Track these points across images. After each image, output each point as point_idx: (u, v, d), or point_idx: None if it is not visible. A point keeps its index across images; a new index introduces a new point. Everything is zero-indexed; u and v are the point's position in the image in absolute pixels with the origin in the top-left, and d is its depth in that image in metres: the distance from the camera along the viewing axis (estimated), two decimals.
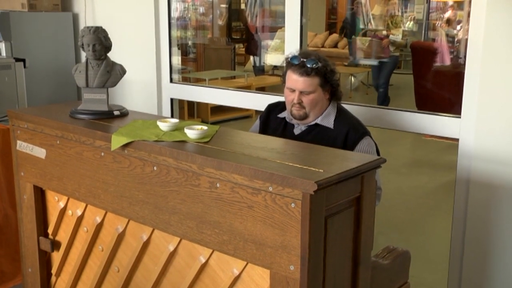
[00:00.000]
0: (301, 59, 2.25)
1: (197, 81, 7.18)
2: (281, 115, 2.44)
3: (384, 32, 7.98)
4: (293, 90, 2.29)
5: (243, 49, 10.32)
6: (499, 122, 2.41)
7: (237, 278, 1.74)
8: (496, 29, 2.35)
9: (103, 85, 2.24)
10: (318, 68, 2.24)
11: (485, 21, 2.37)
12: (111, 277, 2.15)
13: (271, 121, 2.48)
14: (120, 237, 2.07)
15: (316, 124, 2.33)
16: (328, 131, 2.31)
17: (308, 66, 2.23)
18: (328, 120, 2.33)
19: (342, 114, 2.36)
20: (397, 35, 7.78)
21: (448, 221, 2.80)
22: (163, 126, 1.98)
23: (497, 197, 2.46)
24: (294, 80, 2.27)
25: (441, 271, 2.97)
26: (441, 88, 6.07)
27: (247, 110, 6.89)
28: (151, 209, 1.90)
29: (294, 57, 2.28)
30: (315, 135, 2.30)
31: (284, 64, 2.34)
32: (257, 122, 2.56)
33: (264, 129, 2.47)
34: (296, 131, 2.38)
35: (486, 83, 2.41)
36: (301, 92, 2.27)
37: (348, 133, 2.27)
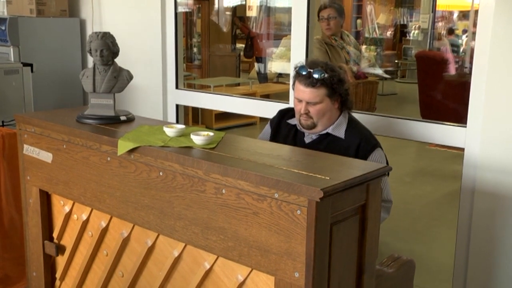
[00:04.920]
0: (308, 70, 2.26)
1: (202, 88, 7.20)
2: (291, 121, 2.44)
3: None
4: (300, 100, 2.30)
5: None
6: (505, 132, 2.40)
7: (241, 284, 1.74)
8: (502, 39, 2.36)
9: (110, 91, 2.26)
10: (325, 79, 2.24)
11: (492, 31, 2.37)
12: (115, 282, 2.15)
13: (282, 127, 2.48)
14: (125, 242, 2.07)
15: (327, 134, 2.34)
16: (339, 141, 2.31)
17: (315, 76, 2.24)
18: (339, 130, 2.33)
19: (353, 125, 2.37)
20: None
21: (452, 231, 2.80)
22: (170, 131, 1.98)
23: (502, 208, 2.46)
24: (301, 90, 2.28)
25: (445, 281, 2.96)
26: (446, 97, 6.06)
27: (251, 117, 6.90)
28: (156, 215, 1.90)
29: (301, 67, 2.29)
30: (327, 144, 2.31)
31: (291, 73, 2.35)
32: (267, 128, 2.55)
33: (275, 136, 2.47)
34: (307, 139, 2.38)
35: (492, 93, 2.41)
36: (308, 103, 2.28)
37: (360, 144, 2.28)
